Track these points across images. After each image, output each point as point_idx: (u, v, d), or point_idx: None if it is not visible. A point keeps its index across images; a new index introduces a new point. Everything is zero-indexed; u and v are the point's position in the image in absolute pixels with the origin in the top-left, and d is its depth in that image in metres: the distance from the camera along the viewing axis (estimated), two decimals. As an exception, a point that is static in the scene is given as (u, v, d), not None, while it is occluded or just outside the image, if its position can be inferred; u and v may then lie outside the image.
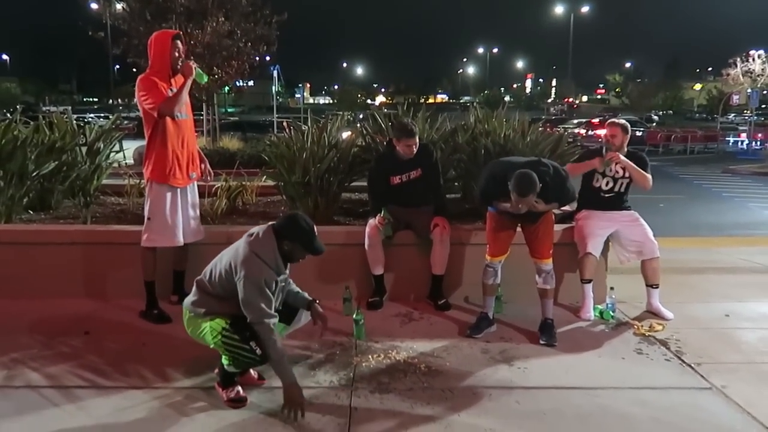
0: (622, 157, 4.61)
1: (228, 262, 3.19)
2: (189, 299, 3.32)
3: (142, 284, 4.38)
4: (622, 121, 4.80)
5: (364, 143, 6.02)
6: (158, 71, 4.18)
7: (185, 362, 3.62)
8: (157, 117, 4.12)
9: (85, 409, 3.14)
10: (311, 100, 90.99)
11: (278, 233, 3.19)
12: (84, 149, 6.30)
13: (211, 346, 3.21)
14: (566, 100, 77.38)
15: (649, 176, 4.65)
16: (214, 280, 3.22)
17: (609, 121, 4.89)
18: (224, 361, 3.19)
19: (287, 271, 3.33)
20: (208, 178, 4.70)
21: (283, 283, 3.30)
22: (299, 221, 3.23)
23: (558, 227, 4.86)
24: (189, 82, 4.19)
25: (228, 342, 3.11)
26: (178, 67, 4.22)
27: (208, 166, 4.69)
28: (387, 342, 4.02)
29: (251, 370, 3.41)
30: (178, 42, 4.22)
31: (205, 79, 4.34)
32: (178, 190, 4.30)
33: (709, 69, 79.24)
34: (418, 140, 4.68)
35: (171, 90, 4.18)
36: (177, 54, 4.19)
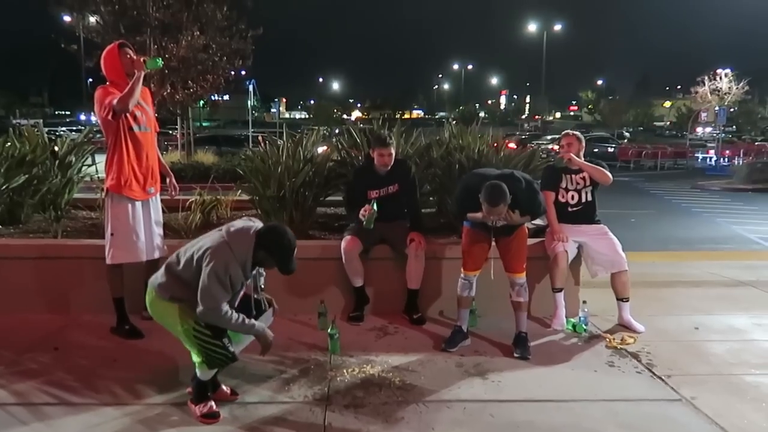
0: (574, 156, 4.73)
1: (201, 247, 3.13)
2: (156, 279, 3.26)
3: (112, 300, 4.32)
4: (576, 132, 4.98)
5: (339, 158, 6.04)
6: (116, 85, 4.13)
7: (157, 378, 3.58)
8: (113, 118, 4.05)
9: (54, 427, 3.09)
10: (287, 115, 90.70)
11: (259, 239, 3.14)
12: (55, 162, 6.21)
13: (180, 335, 3.17)
14: (534, 117, 78.52)
15: (607, 171, 4.75)
16: (186, 264, 3.16)
17: (563, 132, 5.03)
18: (195, 359, 3.15)
19: (255, 273, 3.34)
20: (173, 192, 4.66)
21: (247, 283, 3.29)
22: (284, 237, 3.17)
23: (530, 241, 4.91)
24: (141, 76, 4.09)
25: (200, 338, 3.09)
26: (132, 69, 4.12)
27: (173, 180, 4.65)
28: (362, 356, 4.02)
29: (223, 386, 3.38)
30: (127, 49, 4.17)
31: (160, 62, 4.27)
32: (138, 204, 4.25)
33: (678, 87, 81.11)
34: (393, 152, 4.72)
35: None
36: (128, 61, 4.12)
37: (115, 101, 4.00)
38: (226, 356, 3.13)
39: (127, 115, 4.11)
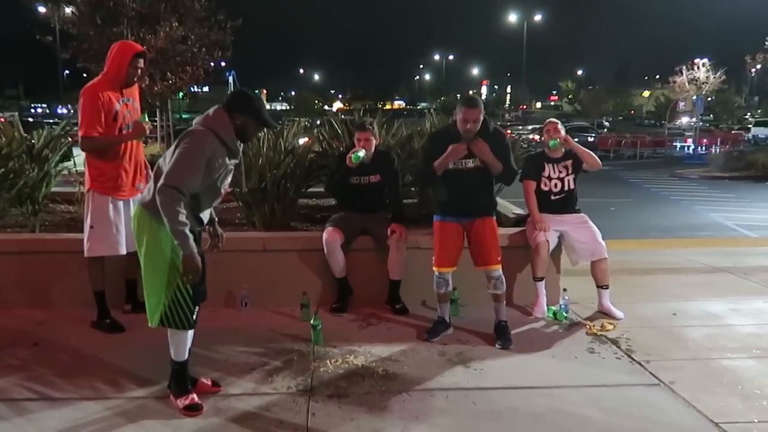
0: (570, 139, 4.79)
1: (177, 141, 3.04)
2: (145, 197, 3.12)
3: (92, 293, 4.29)
4: (555, 119, 5.04)
5: (320, 149, 6.02)
6: (111, 80, 4.09)
7: (138, 372, 3.56)
8: (79, 144, 4.06)
9: (34, 422, 3.06)
10: (268, 106, 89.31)
11: (229, 108, 3.10)
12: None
13: (153, 273, 3.09)
14: (521, 107, 78.85)
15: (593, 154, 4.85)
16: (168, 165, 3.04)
17: (548, 120, 5.07)
18: (153, 307, 3.09)
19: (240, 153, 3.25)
20: None
21: (231, 168, 3.20)
22: (248, 94, 3.18)
23: (511, 230, 4.96)
24: (130, 139, 4.16)
25: (178, 291, 3.05)
26: (134, 80, 4.18)
27: (151, 172, 4.62)
28: (345, 347, 4.03)
29: (203, 379, 3.37)
30: (141, 60, 4.14)
31: (143, 138, 4.32)
32: (121, 200, 4.23)
33: (657, 76, 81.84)
34: (373, 138, 4.75)
35: (121, 101, 4.11)
36: (134, 71, 4.11)
37: (85, 141, 4.01)
38: (188, 323, 3.10)
39: (116, 118, 4.08)
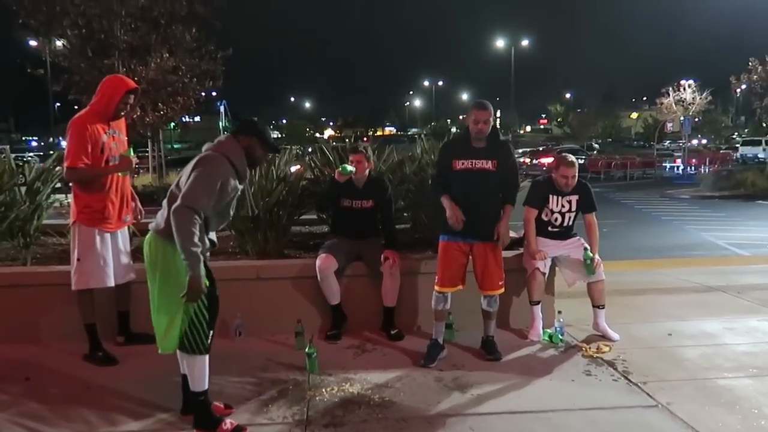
0: (598, 258, 4.67)
1: (192, 166, 3.09)
2: (159, 224, 3.12)
3: (83, 326, 4.24)
4: (572, 158, 4.79)
5: (312, 176, 6.04)
6: (99, 112, 4.10)
7: (132, 405, 3.52)
8: (63, 174, 4.07)
9: (25, 458, 3.01)
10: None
11: (235, 132, 3.22)
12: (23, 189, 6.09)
13: (167, 300, 3.08)
14: (525, 129, 79.35)
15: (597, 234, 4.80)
16: (180, 190, 3.08)
17: (561, 158, 4.80)
18: (161, 330, 3.11)
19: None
20: (139, 216, 4.62)
21: (239, 191, 3.27)
22: (252, 119, 3.30)
23: (506, 253, 4.95)
24: (115, 171, 4.17)
25: (195, 317, 3.06)
26: (122, 115, 4.21)
27: (139, 204, 4.62)
28: (340, 374, 4.00)
29: (215, 402, 3.33)
30: (131, 97, 4.17)
31: (128, 173, 4.34)
32: (108, 232, 4.21)
33: (644, 98, 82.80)
34: (365, 162, 4.79)
35: (108, 133, 4.11)
36: (123, 106, 4.14)
37: (70, 172, 4.02)
38: (201, 348, 3.11)
39: (103, 150, 4.08)
